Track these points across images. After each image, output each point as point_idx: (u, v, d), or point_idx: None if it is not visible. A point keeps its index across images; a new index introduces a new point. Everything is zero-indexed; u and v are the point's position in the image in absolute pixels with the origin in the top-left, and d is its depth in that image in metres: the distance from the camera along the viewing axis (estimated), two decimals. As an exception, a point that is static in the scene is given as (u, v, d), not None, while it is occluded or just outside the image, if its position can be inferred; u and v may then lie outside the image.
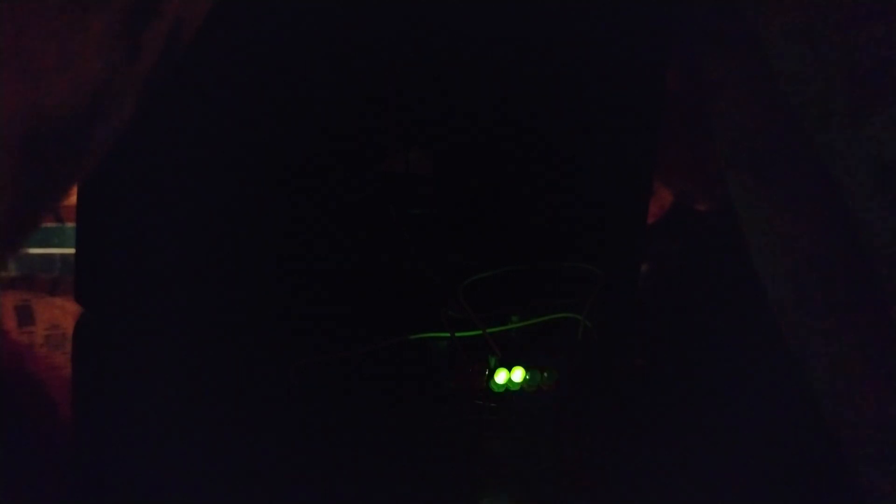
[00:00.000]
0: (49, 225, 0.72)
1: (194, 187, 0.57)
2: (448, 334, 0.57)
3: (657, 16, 0.62)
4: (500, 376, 0.54)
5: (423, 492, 0.44)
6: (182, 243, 0.57)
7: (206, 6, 0.39)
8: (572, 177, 0.63)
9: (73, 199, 0.59)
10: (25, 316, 0.62)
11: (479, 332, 0.56)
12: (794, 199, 0.54)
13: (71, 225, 0.71)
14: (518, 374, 0.54)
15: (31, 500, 0.39)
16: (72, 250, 0.62)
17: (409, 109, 0.59)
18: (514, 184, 0.62)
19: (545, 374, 0.55)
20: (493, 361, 0.55)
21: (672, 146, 0.74)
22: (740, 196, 0.57)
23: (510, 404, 0.54)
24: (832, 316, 0.51)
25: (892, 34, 0.47)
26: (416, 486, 0.44)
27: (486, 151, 0.61)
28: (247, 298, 0.58)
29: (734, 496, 0.47)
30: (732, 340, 0.64)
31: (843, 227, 0.51)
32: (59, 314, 0.62)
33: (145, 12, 0.34)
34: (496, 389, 0.54)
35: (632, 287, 0.67)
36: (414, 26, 0.58)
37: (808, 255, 0.53)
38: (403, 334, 0.58)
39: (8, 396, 0.49)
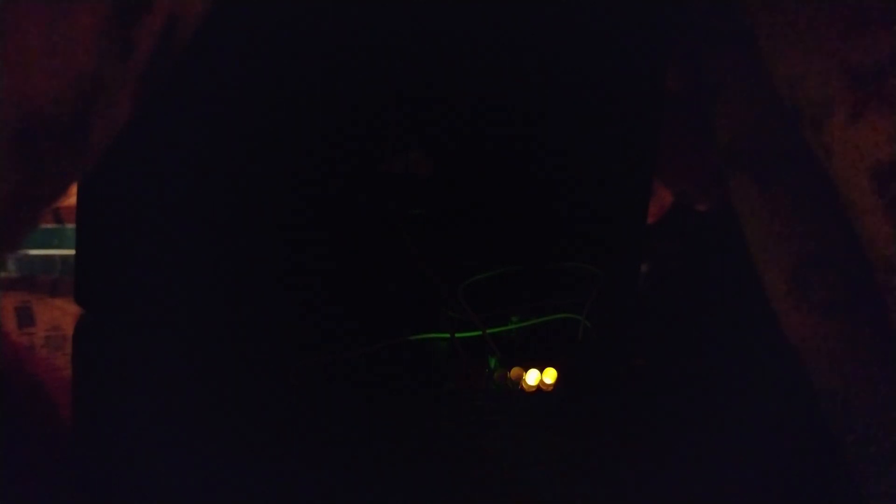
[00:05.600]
0: (49, 226, 0.72)
1: (194, 188, 0.57)
2: (448, 335, 0.57)
3: (657, 16, 0.62)
4: (532, 376, 0.54)
5: (423, 491, 0.44)
6: (182, 244, 0.57)
7: (203, 5, 0.39)
8: (572, 177, 0.63)
9: (72, 199, 0.59)
10: (26, 317, 0.62)
11: (480, 332, 0.56)
12: (794, 199, 0.55)
13: (71, 226, 0.71)
14: (533, 376, 0.54)
15: (31, 501, 0.39)
16: (72, 251, 0.62)
17: (410, 110, 0.59)
18: (514, 184, 0.62)
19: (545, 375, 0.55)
20: (493, 362, 0.55)
21: (672, 146, 0.74)
22: (740, 196, 0.57)
23: (510, 404, 0.54)
24: (832, 316, 0.51)
25: (890, 36, 0.47)
26: (417, 485, 0.44)
27: (486, 152, 0.61)
28: (247, 299, 0.58)
29: (734, 496, 0.47)
30: (732, 340, 0.64)
31: (842, 227, 0.51)
32: (60, 315, 0.62)
33: (136, 8, 0.34)
34: (528, 389, 0.54)
35: (632, 287, 0.67)
36: (414, 26, 0.58)
37: (808, 255, 0.53)
38: (404, 335, 0.58)
39: (8, 397, 0.49)
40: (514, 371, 0.55)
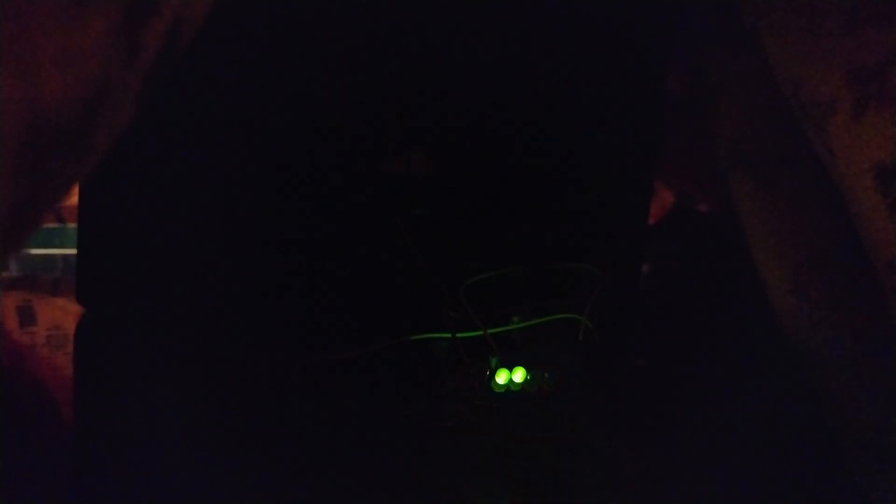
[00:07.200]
0: (50, 225, 0.72)
1: (195, 187, 0.57)
2: (449, 335, 0.57)
3: (658, 16, 0.62)
4: (501, 377, 0.54)
5: (423, 492, 0.44)
6: (183, 243, 0.57)
7: (206, 6, 0.39)
8: (573, 177, 0.63)
9: (74, 199, 0.59)
10: (27, 316, 0.62)
11: (481, 332, 0.56)
12: (794, 199, 0.55)
13: (72, 225, 0.71)
14: (519, 374, 0.54)
15: (32, 501, 0.39)
16: (73, 251, 0.62)
17: (410, 109, 0.59)
18: (514, 184, 0.62)
19: (546, 375, 0.55)
20: (493, 362, 0.55)
21: (673, 147, 0.74)
22: (740, 196, 0.57)
23: (511, 405, 0.54)
24: (832, 316, 0.51)
25: (892, 35, 0.47)
26: (417, 485, 0.44)
27: (486, 152, 0.61)
28: (248, 299, 0.58)
29: (734, 496, 0.47)
30: (733, 340, 0.64)
31: (843, 227, 0.51)
32: (61, 315, 0.62)
33: (145, 11, 0.34)
34: (497, 390, 0.54)
35: (633, 287, 0.67)
36: (415, 26, 0.58)
37: (808, 255, 0.53)
38: (405, 335, 0.58)
39: (9, 397, 0.49)
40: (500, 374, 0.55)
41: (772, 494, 0.48)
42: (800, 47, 0.51)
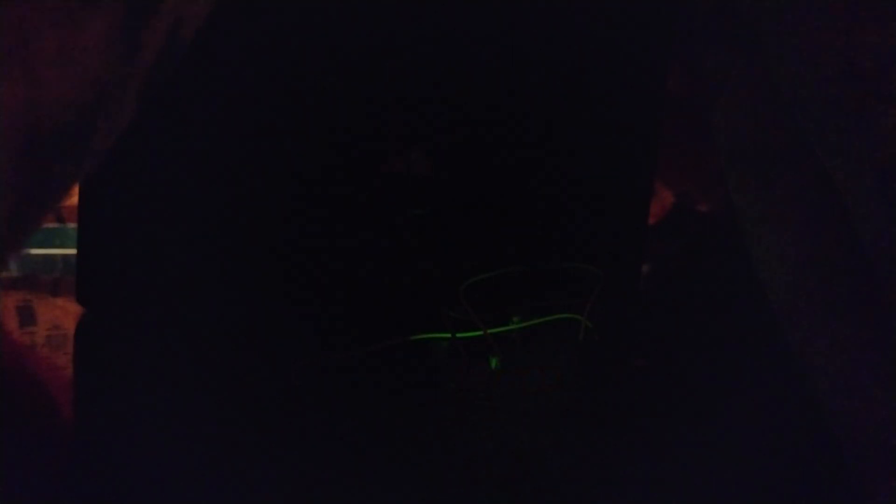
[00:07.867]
0: (50, 225, 0.72)
1: (195, 188, 0.57)
2: (449, 335, 0.57)
3: (657, 16, 0.62)
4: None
5: (423, 491, 0.44)
6: (183, 244, 0.57)
7: (206, 5, 0.39)
8: (573, 177, 0.63)
9: (74, 199, 0.59)
10: (27, 316, 0.62)
11: (481, 332, 0.56)
12: (794, 199, 0.54)
13: (72, 225, 0.71)
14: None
15: (32, 501, 0.39)
16: (73, 251, 0.62)
17: (410, 109, 0.59)
18: (514, 184, 0.62)
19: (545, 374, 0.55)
20: (493, 362, 0.55)
21: (673, 146, 0.74)
22: (740, 196, 0.57)
23: (511, 405, 0.54)
24: (832, 316, 0.51)
25: (892, 35, 0.47)
26: (417, 485, 0.44)
27: (486, 151, 0.61)
28: (248, 299, 0.58)
29: (734, 496, 0.47)
30: (732, 340, 0.64)
31: (843, 227, 0.51)
32: (61, 315, 0.62)
33: (145, 10, 0.34)
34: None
35: (632, 287, 0.67)
36: (414, 26, 0.58)
37: (808, 255, 0.53)
38: (404, 335, 0.58)
39: (9, 397, 0.49)
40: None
41: (771, 495, 0.48)
42: (801, 45, 0.51)
